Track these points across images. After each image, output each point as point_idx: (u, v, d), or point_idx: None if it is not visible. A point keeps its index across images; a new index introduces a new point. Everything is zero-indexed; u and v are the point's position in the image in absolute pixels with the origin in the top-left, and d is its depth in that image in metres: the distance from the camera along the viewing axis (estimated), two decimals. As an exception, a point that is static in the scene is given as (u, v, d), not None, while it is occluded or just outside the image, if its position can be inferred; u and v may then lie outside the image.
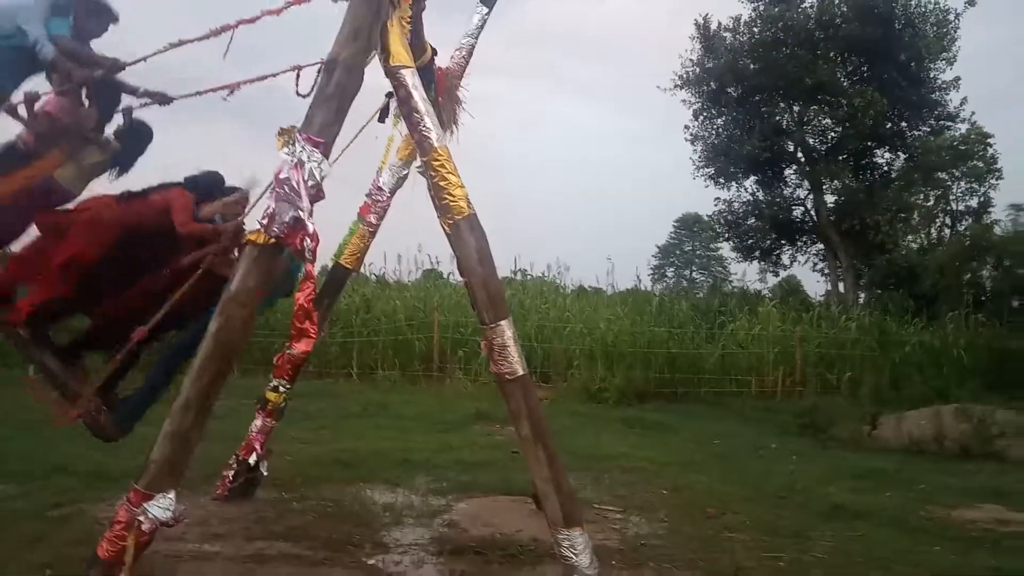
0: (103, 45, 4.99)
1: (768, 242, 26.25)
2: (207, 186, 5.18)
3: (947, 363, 16.01)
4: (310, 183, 3.86)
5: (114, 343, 4.88)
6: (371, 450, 8.33)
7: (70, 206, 4.95)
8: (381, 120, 6.03)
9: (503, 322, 4.05)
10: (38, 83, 4.79)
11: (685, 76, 24.57)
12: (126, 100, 5.11)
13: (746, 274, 35.54)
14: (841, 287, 24.90)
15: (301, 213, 3.79)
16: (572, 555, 3.93)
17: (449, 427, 10.25)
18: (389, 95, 5.62)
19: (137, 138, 5.15)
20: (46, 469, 6.67)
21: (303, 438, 8.82)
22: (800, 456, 9.53)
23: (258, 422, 6.24)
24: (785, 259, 27.13)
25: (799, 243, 26.77)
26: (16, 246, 4.95)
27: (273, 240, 3.76)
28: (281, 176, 3.83)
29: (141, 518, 3.43)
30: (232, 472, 6.23)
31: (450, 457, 8.26)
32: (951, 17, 22.59)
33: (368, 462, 7.80)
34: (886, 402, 13.11)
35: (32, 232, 4.91)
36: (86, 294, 4.89)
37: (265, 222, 3.78)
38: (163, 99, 5.17)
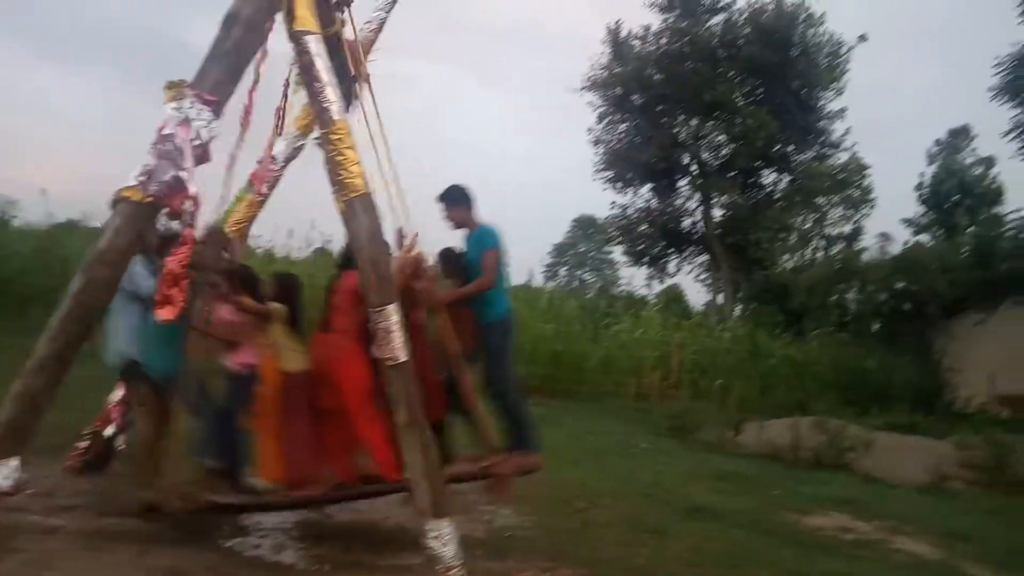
0: None
1: (657, 249, 27.04)
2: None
3: (809, 377, 17.00)
4: (196, 143, 3.66)
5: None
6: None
7: None
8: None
9: (389, 306, 3.98)
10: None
11: (593, 78, 24.96)
12: None
13: (634, 279, 36.62)
14: (720, 298, 25.98)
15: (183, 173, 3.59)
16: (438, 545, 3.92)
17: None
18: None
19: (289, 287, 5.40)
20: None
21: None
22: (668, 456, 9.88)
23: (119, 393, 5.89)
24: (671, 267, 28.04)
25: (686, 253, 27.70)
26: None
27: (149, 199, 3.54)
28: (164, 132, 3.61)
29: (-22, 485, 3.18)
30: (85, 443, 5.85)
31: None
32: (843, 50, 23.88)
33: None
34: (752, 410, 13.78)
35: None
36: None
37: (143, 179, 3.55)
38: None
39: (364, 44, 5.99)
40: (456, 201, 5.42)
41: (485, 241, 5.35)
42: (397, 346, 3.96)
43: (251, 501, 4.92)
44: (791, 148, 25.06)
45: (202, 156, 3.76)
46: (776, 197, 25.61)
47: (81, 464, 5.82)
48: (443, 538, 3.90)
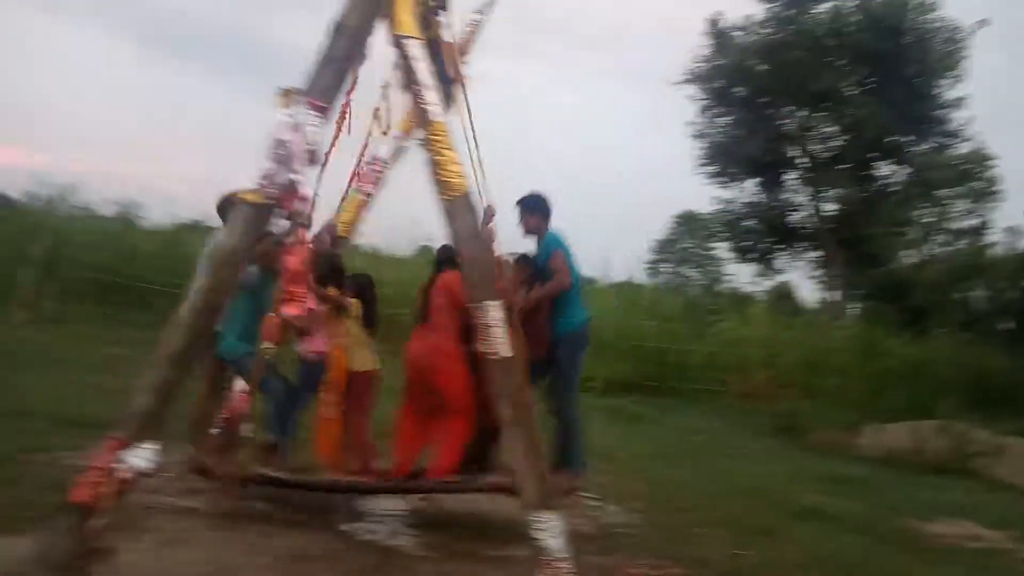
0: None
1: (764, 245, 26.22)
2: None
3: (931, 378, 16.09)
4: (307, 147, 3.85)
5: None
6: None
7: None
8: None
9: (491, 302, 4.06)
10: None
11: (694, 71, 24.48)
12: None
13: (740, 276, 35.50)
14: (833, 296, 24.97)
15: (296, 176, 3.78)
16: (545, 537, 3.95)
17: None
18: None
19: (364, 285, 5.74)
20: (11, 412, 6.67)
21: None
22: (776, 458, 9.62)
23: (241, 383, 6.24)
24: (780, 264, 27.13)
25: (795, 249, 26.77)
26: None
27: (267, 201, 3.76)
28: (279, 137, 3.82)
29: (120, 465, 3.44)
30: (216, 430, 6.23)
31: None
32: (961, 35, 22.53)
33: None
34: (868, 412, 13.19)
35: None
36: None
37: (261, 182, 3.77)
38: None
39: (462, 46, 6.14)
40: (533, 208, 5.48)
41: (551, 245, 5.37)
42: (500, 341, 4.03)
43: (297, 479, 5.18)
44: (907, 139, 23.82)
45: (314, 159, 3.95)
46: (893, 190, 24.38)
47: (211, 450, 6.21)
48: (550, 531, 3.94)
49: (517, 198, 5.60)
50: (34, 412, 6.73)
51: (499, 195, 4.80)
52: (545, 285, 5.32)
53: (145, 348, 4.75)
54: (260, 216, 3.84)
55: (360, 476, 5.25)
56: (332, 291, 5.25)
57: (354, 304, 5.33)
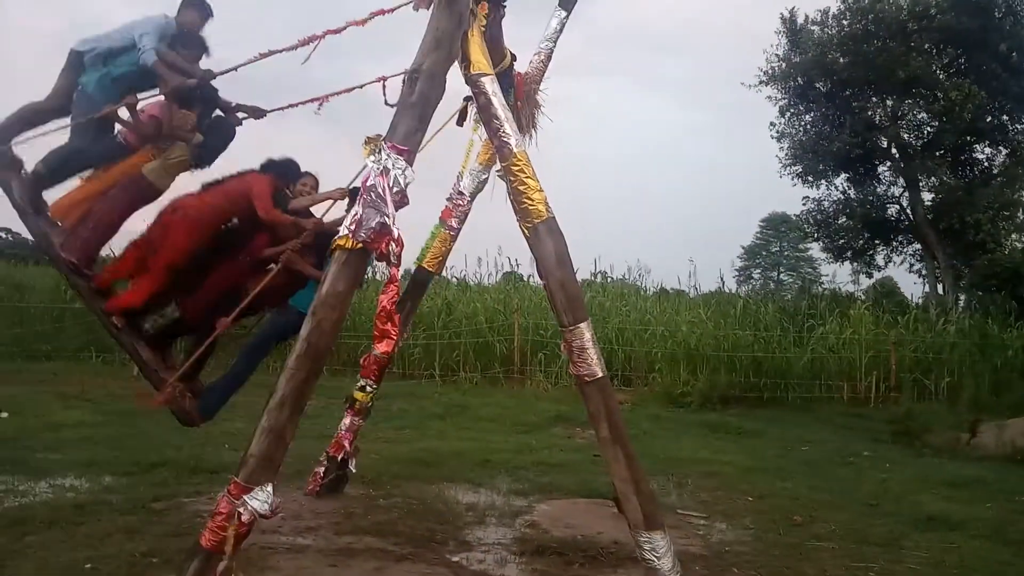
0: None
1: (861, 242, 25.25)
2: (283, 170, 5.30)
3: (1053, 369, 15.12)
4: (395, 190, 3.99)
5: (199, 330, 5.16)
6: (452, 450, 8.49)
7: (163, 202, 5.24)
8: (459, 124, 6.10)
9: (582, 324, 4.09)
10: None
11: (771, 71, 23.95)
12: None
13: (837, 275, 34.26)
14: (940, 289, 23.77)
15: (387, 219, 3.93)
16: (654, 558, 3.93)
17: (529, 429, 10.34)
18: (467, 99, 5.71)
19: (220, 133, 5.39)
20: (146, 463, 7.06)
21: (388, 437, 9.07)
22: (892, 464, 9.20)
23: (347, 420, 6.48)
24: (879, 260, 26.03)
25: (894, 243, 25.67)
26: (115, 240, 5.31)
27: (360, 245, 3.91)
28: (368, 183, 3.98)
29: (241, 510, 3.62)
30: (323, 468, 6.48)
31: (530, 459, 8.34)
32: (1055, 4, 21.30)
33: (450, 462, 7.96)
34: (986, 409, 12.49)
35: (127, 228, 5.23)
36: (179, 286, 5.18)
37: (353, 228, 3.92)
38: (257, 113, 5.46)
39: (535, 74, 6.25)
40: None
41: None
42: (593, 362, 4.05)
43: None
44: (1005, 118, 22.60)
45: (401, 201, 4.09)
46: (994, 173, 23.15)
47: (320, 487, 6.45)
48: (658, 551, 3.91)
49: None
50: (159, 462, 7.12)
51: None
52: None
53: (253, 393, 5.00)
54: (355, 260, 4.00)
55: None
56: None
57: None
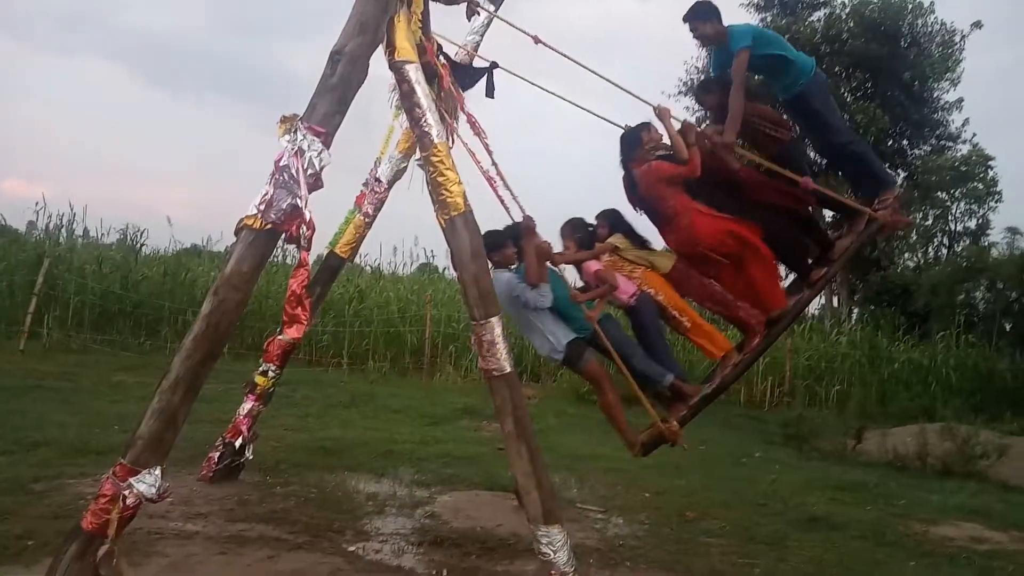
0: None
1: (764, 252, 26.26)
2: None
3: (935, 381, 16.12)
4: (309, 172, 3.90)
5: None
6: (356, 440, 8.38)
7: None
8: (489, 95, 5.54)
9: (493, 319, 4.10)
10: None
11: (689, 83, 24.62)
12: None
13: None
14: (835, 301, 24.98)
15: (299, 201, 3.83)
16: (550, 551, 3.97)
17: (436, 420, 10.30)
18: (493, 64, 5.48)
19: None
20: (27, 442, 6.71)
21: (289, 425, 8.87)
22: (782, 466, 9.60)
23: (246, 405, 6.31)
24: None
25: (795, 255, 26.77)
26: None
27: (268, 225, 3.80)
28: (281, 163, 3.87)
29: (126, 492, 3.47)
30: (218, 454, 6.28)
31: (435, 450, 8.31)
32: (956, 38, 22.65)
33: (353, 451, 7.85)
34: (872, 417, 13.21)
35: None
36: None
37: (262, 208, 3.81)
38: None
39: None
40: (706, 16, 5.40)
41: (737, 42, 5.39)
42: (502, 357, 4.07)
43: (716, 387, 5.45)
44: (905, 143, 23.92)
45: (315, 184, 4.00)
46: (892, 194, 24.45)
47: (214, 473, 6.25)
48: (555, 545, 3.96)
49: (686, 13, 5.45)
50: (42, 442, 6.76)
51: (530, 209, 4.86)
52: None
53: (149, 373, 4.80)
54: (262, 240, 3.88)
55: (752, 341, 5.32)
56: (600, 248, 5.32)
57: (615, 237, 5.36)
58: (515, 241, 4.89)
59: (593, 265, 5.20)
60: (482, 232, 4.28)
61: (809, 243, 5.59)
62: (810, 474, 9.18)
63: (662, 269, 5.30)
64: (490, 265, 4.56)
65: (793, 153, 5.46)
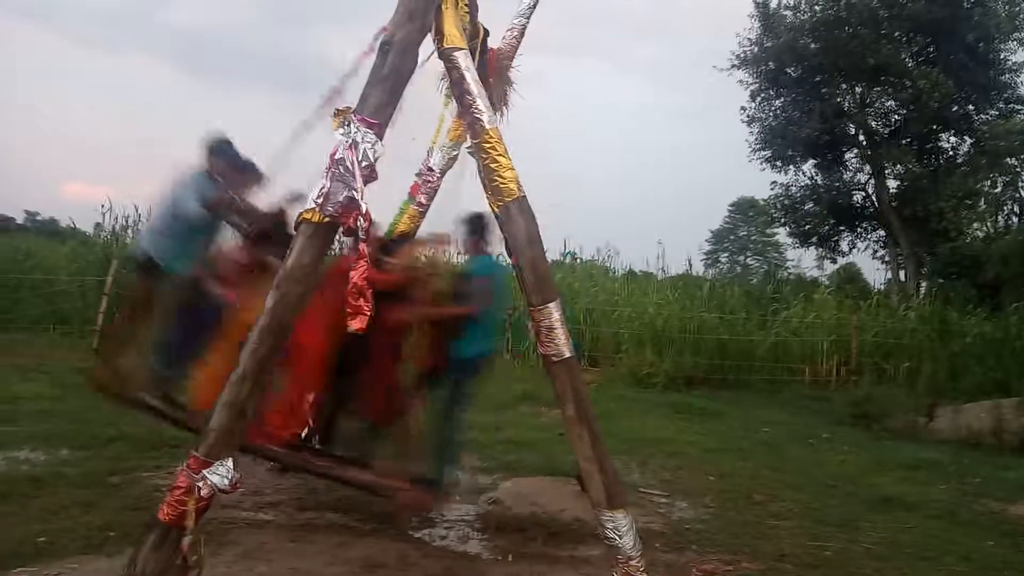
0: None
1: (826, 228, 25.59)
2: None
3: (1009, 355, 15.47)
4: (364, 164, 3.91)
5: (391, 422, 5.34)
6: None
7: None
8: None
9: (551, 304, 4.06)
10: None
11: (743, 55, 24.06)
12: None
13: (802, 260, 34.79)
14: (902, 275, 24.25)
15: (355, 193, 3.85)
16: (616, 536, 3.94)
17: (496, 407, 10.34)
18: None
19: None
20: (104, 437, 6.95)
21: (354, 414, 9.00)
22: (851, 446, 9.39)
23: (310, 396, 6.40)
24: (844, 246, 26.42)
25: (859, 229, 26.07)
26: None
27: (327, 219, 3.84)
28: (336, 156, 3.90)
29: (200, 484, 3.56)
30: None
31: (495, 437, 8.35)
32: (1024, -5, 21.63)
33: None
34: (944, 393, 12.78)
35: None
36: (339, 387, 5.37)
37: (320, 201, 3.85)
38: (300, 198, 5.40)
39: (507, 50, 6.17)
40: (471, 230, 5.57)
41: (480, 271, 5.46)
42: (561, 342, 4.04)
43: (171, 413, 5.28)
44: (971, 108, 22.98)
45: (369, 175, 4.02)
46: (958, 162, 23.54)
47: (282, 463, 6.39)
48: (620, 529, 3.93)
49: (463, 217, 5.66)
50: (117, 436, 7.00)
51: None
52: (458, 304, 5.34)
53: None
54: (321, 233, 3.93)
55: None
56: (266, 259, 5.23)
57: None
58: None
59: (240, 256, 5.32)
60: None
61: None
62: (880, 453, 8.96)
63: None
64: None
65: None
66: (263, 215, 5.31)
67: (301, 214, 3.89)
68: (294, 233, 4.14)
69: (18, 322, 13.96)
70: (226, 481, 3.60)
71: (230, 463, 3.64)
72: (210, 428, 3.69)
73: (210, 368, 5.15)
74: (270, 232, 5.28)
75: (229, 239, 5.56)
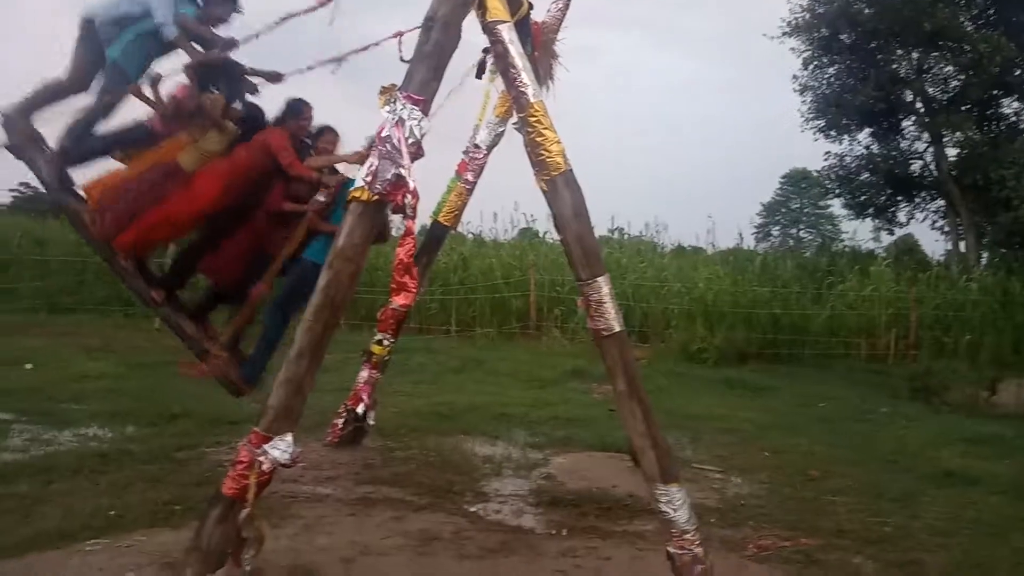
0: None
1: (883, 198, 24.84)
2: (295, 111, 5.31)
3: (1075, 327, 14.93)
4: (410, 141, 3.93)
5: (236, 299, 5.25)
6: (469, 404, 8.55)
7: None
8: (478, 76, 6.07)
9: (600, 278, 4.03)
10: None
11: (794, 23, 23.37)
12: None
13: (858, 232, 33.86)
14: (962, 246, 23.46)
15: (402, 170, 3.87)
16: (670, 510, 3.92)
17: (545, 384, 10.37)
18: (485, 51, 5.65)
19: (254, 123, 5.30)
20: (168, 414, 7.17)
21: (405, 391, 9.13)
22: (911, 420, 9.18)
23: (364, 373, 6.52)
24: (901, 216, 25.61)
25: (917, 199, 25.24)
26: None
27: (376, 197, 3.87)
28: (383, 134, 3.92)
29: (262, 459, 3.66)
30: (342, 420, 6.55)
31: (546, 413, 8.38)
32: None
33: (466, 415, 8.03)
34: (1007, 366, 12.40)
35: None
36: (200, 244, 5.29)
37: (368, 179, 3.87)
38: (275, 77, 5.40)
39: (552, 23, 6.12)
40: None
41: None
42: (611, 316, 4.01)
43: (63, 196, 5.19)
44: (1034, 72, 21.99)
45: (416, 152, 4.03)
46: (1021, 128, 22.60)
47: (339, 439, 6.53)
48: (674, 503, 3.91)
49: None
50: (181, 414, 7.22)
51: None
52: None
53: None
54: (371, 212, 3.96)
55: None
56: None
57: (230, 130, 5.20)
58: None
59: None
60: None
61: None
62: (941, 428, 8.75)
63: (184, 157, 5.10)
64: None
65: None
66: (212, 56, 5.09)
67: (351, 192, 3.93)
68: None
69: (84, 304, 14.44)
70: (287, 455, 3.70)
71: (290, 438, 3.72)
72: (270, 404, 3.78)
73: (110, 175, 5.14)
74: (217, 75, 5.21)
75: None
